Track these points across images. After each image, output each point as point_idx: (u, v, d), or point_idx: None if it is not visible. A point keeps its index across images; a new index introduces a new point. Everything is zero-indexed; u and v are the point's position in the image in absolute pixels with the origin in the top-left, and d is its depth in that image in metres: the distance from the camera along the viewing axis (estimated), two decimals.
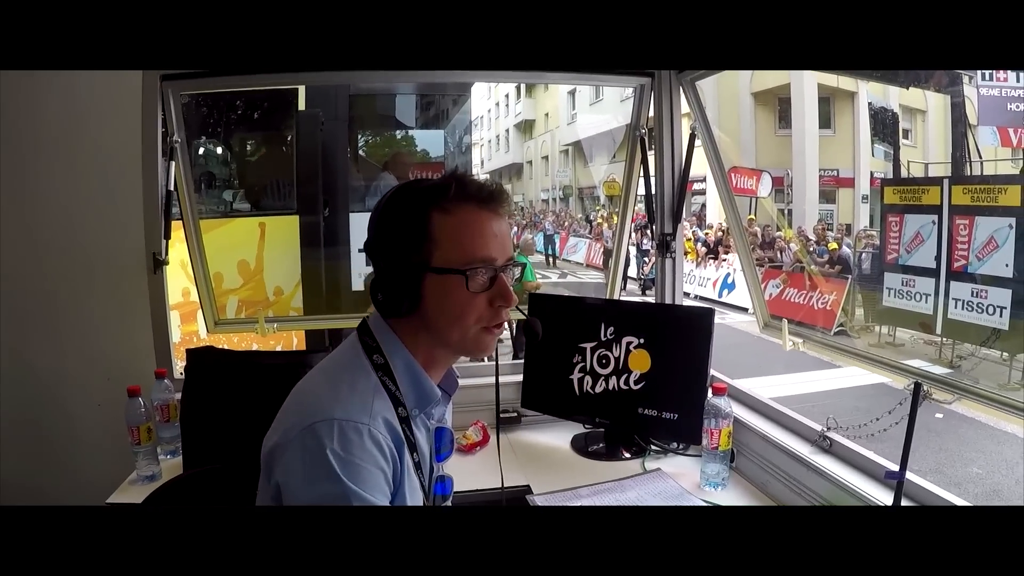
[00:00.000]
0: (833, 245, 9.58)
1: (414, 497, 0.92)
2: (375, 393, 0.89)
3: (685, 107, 2.12)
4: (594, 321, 1.89)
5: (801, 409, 1.78)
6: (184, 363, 1.77)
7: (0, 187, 1.93)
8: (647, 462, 1.80)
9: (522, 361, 2.04)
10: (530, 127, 28.24)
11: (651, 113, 2.14)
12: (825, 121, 14.77)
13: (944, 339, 5.33)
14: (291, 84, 3.74)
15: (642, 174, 2.15)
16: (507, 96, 29.15)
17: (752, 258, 2.41)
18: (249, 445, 0.92)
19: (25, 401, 2.03)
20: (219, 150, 4.45)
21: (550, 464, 1.82)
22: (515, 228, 16.26)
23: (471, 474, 1.62)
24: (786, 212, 14.27)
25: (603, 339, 1.88)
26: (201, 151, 4.32)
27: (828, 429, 1.56)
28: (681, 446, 1.84)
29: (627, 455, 1.84)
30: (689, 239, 12.08)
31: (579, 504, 1.57)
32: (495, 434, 1.87)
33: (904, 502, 1.28)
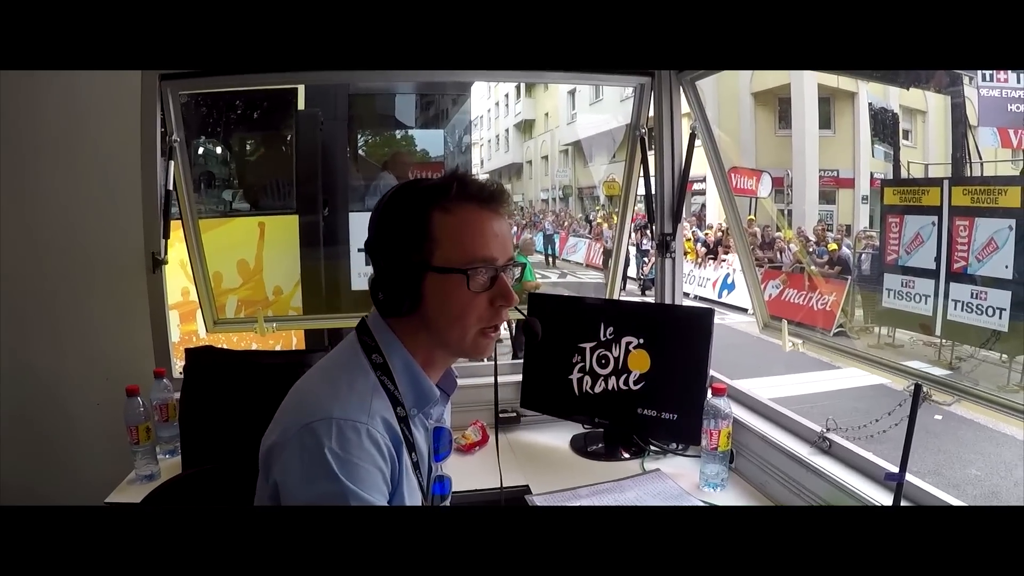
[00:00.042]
0: (833, 246, 9.58)
1: (413, 497, 0.92)
2: (374, 392, 0.89)
3: (685, 107, 2.12)
4: (594, 321, 1.89)
5: (800, 410, 1.78)
6: (183, 363, 1.77)
7: (0, 187, 1.93)
8: (646, 462, 1.80)
9: (521, 361, 2.04)
10: (530, 127, 28.23)
11: (651, 113, 2.14)
12: (825, 121, 14.77)
13: (943, 340, 5.32)
14: (290, 83, 3.73)
15: (642, 174, 2.15)
16: (507, 96, 29.14)
17: (752, 258, 2.41)
18: (248, 445, 0.92)
19: (24, 400, 2.03)
20: (218, 150, 4.44)
21: (549, 464, 1.81)
22: (515, 228, 16.26)
23: (470, 474, 1.62)
24: (786, 212, 14.28)
25: (603, 339, 1.88)
26: (201, 151, 4.32)
27: (827, 430, 1.56)
28: (680, 447, 1.84)
29: (626, 455, 1.84)
30: (689, 239, 12.08)
31: (578, 504, 1.57)
32: (494, 434, 1.87)
33: (903, 504, 1.27)
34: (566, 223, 19.61)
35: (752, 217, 11.58)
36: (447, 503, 1.06)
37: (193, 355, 1.76)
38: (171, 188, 1.93)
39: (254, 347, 3.09)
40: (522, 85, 24.85)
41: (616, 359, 1.86)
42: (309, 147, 4.11)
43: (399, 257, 0.91)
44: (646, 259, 11.26)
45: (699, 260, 12.24)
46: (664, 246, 2.15)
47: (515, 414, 2.05)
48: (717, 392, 1.65)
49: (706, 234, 13.21)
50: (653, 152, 2.16)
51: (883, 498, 1.32)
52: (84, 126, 1.95)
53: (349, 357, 0.94)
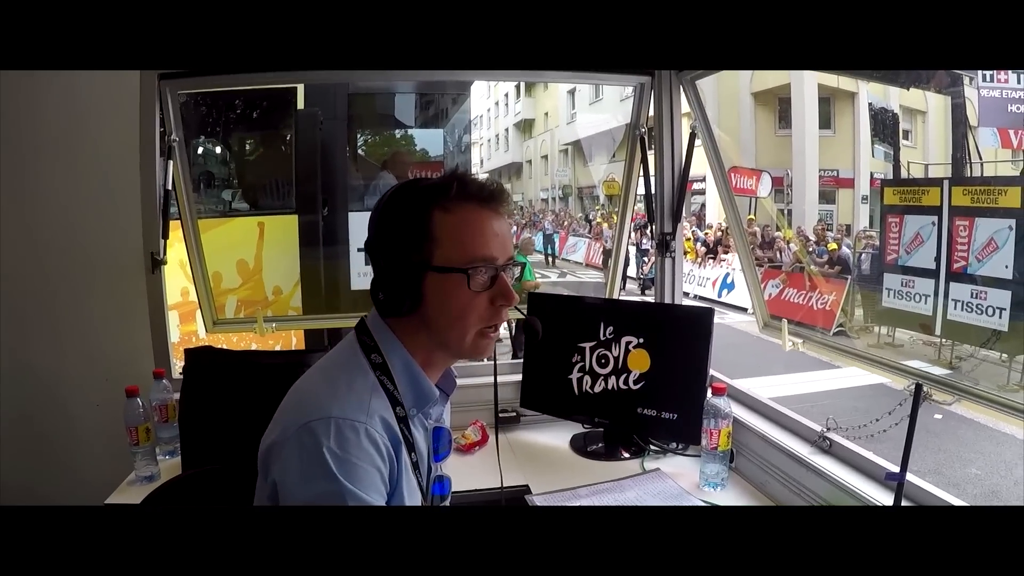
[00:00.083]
0: (833, 245, 9.58)
1: (412, 497, 0.92)
2: (373, 392, 0.89)
3: (685, 106, 2.12)
4: (593, 321, 1.89)
5: (800, 409, 1.78)
6: (183, 363, 1.77)
7: (0, 187, 1.93)
8: (646, 462, 1.80)
9: (521, 361, 2.04)
10: (529, 126, 28.22)
11: (651, 112, 2.14)
12: (825, 121, 14.76)
13: (943, 340, 5.32)
14: (289, 83, 3.73)
15: (642, 173, 2.15)
16: (506, 95, 29.12)
17: (752, 258, 2.41)
18: (248, 445, 0.92)
19: (24, 401, 2.03)
20: (218, 149, 4.44)
21: (549, 464, 1.81)
22: (514, 227, 16.25)
23: (470, 474, 1.62)
24: (786, 212, 14.28)
25: (602, 339, 1.88)
26: (200, 150, 4.31)
27: (828, 429, 1.56)
28: (680, 446, 1.84)
29: (626, 455, 1.84)
30: (688, 239, 12.09)
31: (578, 504, 1.56)
32: (494, 434, 1.87)
33: (904, 503, 1.27)
34: (566, 223, 19.61)
35: (752, 217, 11.59)
36: (447, 503, 1.06)
37: (192, 355, 1.76)
38: (170, 188, 1.93)
39: (254, 347, 3.09)
40: (522, 84, 24.84)
41: (616, 359, 1.86)
42: (308, 147, 4.11)
43: (399, 257, 0.91)
44: (646, 258, 11.26)
45: (699, 259, 12.25)
46: (664, 245, 2.15)
47: (515, 414, 2.05)
48: (717, 392, 1.64)
49: (706, 234, 13.21)
50: (653, 152, 2.16)
51: (883, 498, 1.32)
52: (84, 126, 1.95)
53: (348, 357, 0.94)
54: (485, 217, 0.92)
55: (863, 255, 8.73)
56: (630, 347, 1.84)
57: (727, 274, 11.19)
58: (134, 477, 1.69)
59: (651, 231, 2.19)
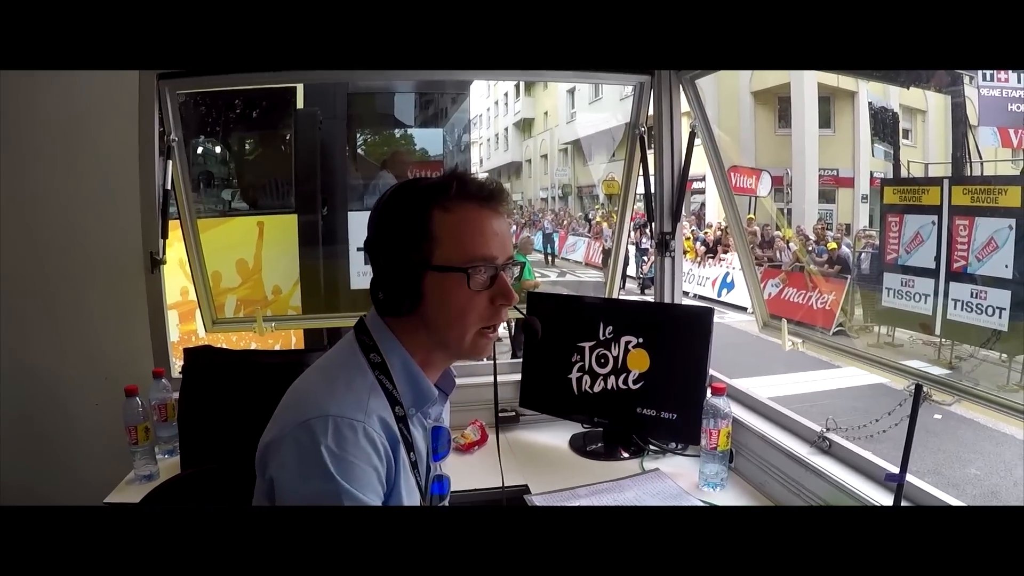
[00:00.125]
0: (832, 245, 9.58)
1: (411, 497, 0.92)
2: (371, 391, 0.89)
3: (685, 106, 2.11)
4: (593, 320, 1.89)
5: (800, 409, 1.78)
6: (182, 362, 1.77)
7: (0, 187, 1.93)
8: (645, 462, 1.80)
9: (520, 360, 2.04)
10: (529, 126, 28.20)
11: (651, 111, 2.14)
12: (825, 120, 14.75)
13: (943, 340, 5.32)
14: (289, 82, 3.72)
15: (641, 173, 2.15)
16: (506, 95, 29.10)
17: (751, 257, 2.41)
18: (247, 445, 0.92)
19: (24, 400, 2.03)
20: (217, 149, 4.44)
21: (548, 464, 1.81)
22: (514, 227, 16.23)
23: (469, 474, 1.62)
24: (785, 211, 14.27)
25: (602, 338, 1.88)
26: (200, 150, 4.31)
27: (827, 430, 1.56)
28: (680, 446, 1.84)
29: (625, 455, 1.84)
30: (688, 238, 12.08)
31: (577, 504, 1.56)
32: (493, 433, 1.87)
33: (904, 504, 1.27)
34: (565, 222, 19.60)
35: (752, 216, 11.58)
36: (446, 503, 1.06)
37: (192, 355, 1.76)
38: (169, 188, 1.92)
39: (253, 347, 3.08)
40: (521, 84, 24.82)
41: (615, 358, 1.86)
42: (308, 146, 4.10)
43: (399, 256, 0.91)
44: (645, 258, 11.27)
45: (698, 259, 12.25)
46: (663, 245, 2.15)
47: (514, 413, 2.05)
48: (716, 391, 1.64)
49: (705, 233, 13.21)
50: (652, 151, 2.16)
51: (883, 498, 1.32)
52: (83, 126, 1.95)
53: (347, 356, 0.94)
54: (485, 216, 0.92)
55: (863, 254, 8.72)
56: (629, 347, 1.84)
57: (727, 273, 11.19)
58: (133, 476, 1.69)
59: (650, 230, 2.18)
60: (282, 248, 3.65)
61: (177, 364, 2.00)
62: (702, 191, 15.80)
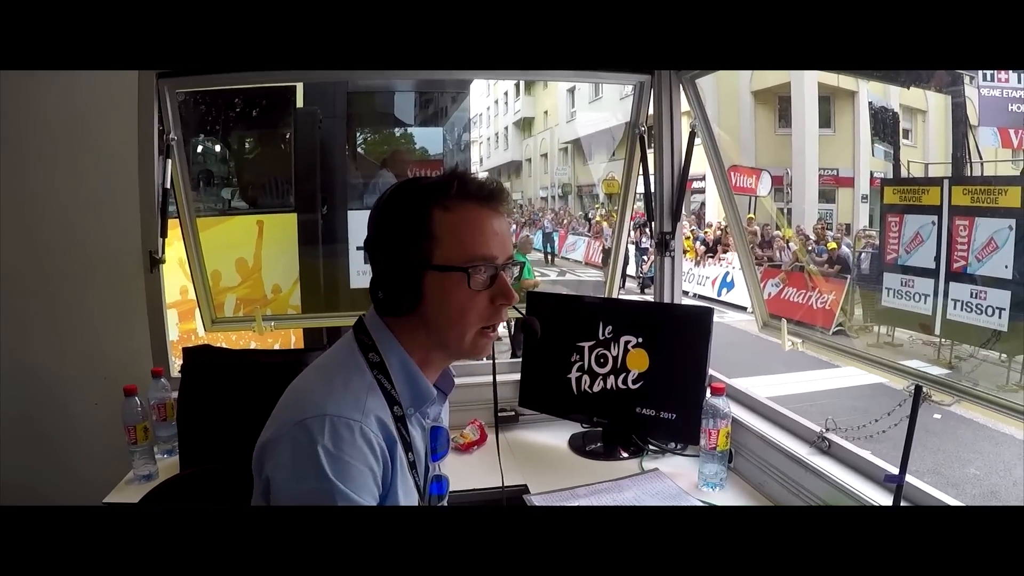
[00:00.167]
0: (832, 244, 9.58)
1: (408, 497, 0.92)
2: (369, 391, 0.89)
3: (685, 105, 2.11)
4: (592, 320, 1.89)
5: (800, 408, 1.77)
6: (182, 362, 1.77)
7: (0, 187, 1.92)
8: (645, 462, 1.79)
9: (520, 360, 2.04)
10: (529, 125, 28.20)
11: (650, 111, 2.14)
12: (825, 120, 14.75)
13: (943, 340, 5.33)
14: (288, 81, 3.73)
15: (641, 172, 2.15)
16: (506, 94, 29.10)
17: (751, 257, 2.41)
18: (246, 444, 0.91)
19: (24, 400, 2.03)
20: (217, 148, 4.44)
21: (547, 463, 1.81)
22: (514, 226, 16.24)
23: (468, 473, 1.62)
24: (785, 211, 14.27)
25: (601, 338, 1.87)
26: (200, 149, 4.31)
27: (827, 430, 1.55)
28: (679, 446, 1.84)
29: (625, 455, 1.84)
30: (688, 237, 12.09)
31: (576, 504, 1.56)
32: (493, 433, 1.87)
33: (903, 505, 1.27)
34: (565, 221, 19.60)
35: (752, 215, 11.58)
36: (444, 503, 1.05)
37: (191, 354, 1.76)
38: (168, 187, 1.92)
39: (253, 346, 3.08)
40: (521, 83, 24.81)
41: (615, 358, 1.86)
42: (308, 145, 4.11)
43: (399, 255, 0.91)
44: (645, 257, 11.27)
45: (698, 258, 12.25)
46: (663, 245, 2.15)
47: (513, 413, 2.05)
48: (716, 391, 1.64)
49: (705, 232, 13.21)
50: (652, 150, 2.15)
51: (882, 499, 1.32)
52: (83, 125, 1.95)
53: (345, 356, 0.94)
54: (485, 216, 0.92)
55: (863, 254, 8.73)
56: (629, 346, 1.84)
57: (727, 273, 11.19)
58: (132, 476, 1.69)
59: (650, 230, 2.18)
60: (282, 247, 3.65)
61: (177, 363, 2.00)
62: (702, 190, 15.80)
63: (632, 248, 11.97)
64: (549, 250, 17.57)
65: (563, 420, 2.00)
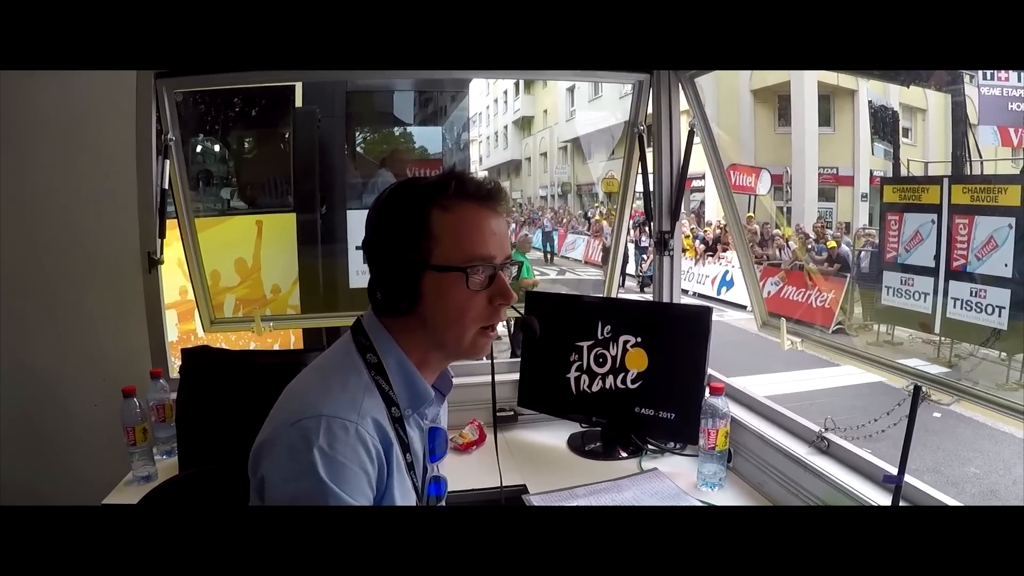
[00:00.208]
0: (832, 243, 9.58)
1: (406, 498, 0.92)
2: (366, 392, 0.89)
3: (684, 104, 2.11)
4: (591, 319, 1.89)
5: (800, 407, 1.77)
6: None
7: (0, 187, 1.92)
8: (644, 462, 1.79)
9: (519, 359, 2.04)
10: (529, 124, 28.22)
11: (650, 110, 2.13)
12: (825, 119, 14.76)
13: (942, 338, 5.33)
14: (287, 81, 3.72)
15: (640, 171, 2.15)
16: (506, 93, 29.13)
17: (751, 256, 2.41)
18: (245, 445, 0.91)
19: (24, 401, 2.03)
20: (216, 147, 4.43)
21: (546, 463, 1.81)
22: (513, 225, 16.29)
23: (467, 473, 1.62)
24: (785, 210, 14.27)
25: (600, 338, 1.87)
26: (199, 149, 4.31)
27: (826, 430, 1.55)
28: (678, 446, 1.84)
29: (624, 455, 1.84)
30: (688, 236, 12.09)
31: (575, 504, 1.56)
32: (491, 433, 1.87)
33: (902, 505, 1.27)
34: (565, 220, 19.61)
35: (751, 214, 11.59)
36: (443, 504, 1.05)
37: (189, 355, 1.76)
38: (167, 187, 1.92)
39: (252, 346, 3.08)
40: (521, 82, 24.83)
41: (614, 358, 1.86)
42: (306, 144, 4.11)
43: (397, 255, 0.91)
44: (645, 256, 11.27)
45: (698, 257, 12.26)
46: (662, 244, 2.15)
47: (512, 413, 2.05)
48: (715, 391, 1.64)
49: (705, 231, 13.21)
50: (651, 149, 2.15)
51: (881, 499, 1.32)
52: (83, 126, 1.95)
53: (343, 357, 0.94)
54: (483, 216, 0.92)
55: (862, 253, 8.73)
56: (628, 346, 1.84)
57: (726, 271, 11.19)
58: (131, 477, 1.69)
59: (649, 229, 2.18)
60: (281, 247, 3.65)
61: (176, 364, 2.00)
62: (702, 189, 15.81)
63: (632, 247, 11.99)
64: (549, 249, 17.59)
65: (562, 420, 2.00)
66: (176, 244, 2.10)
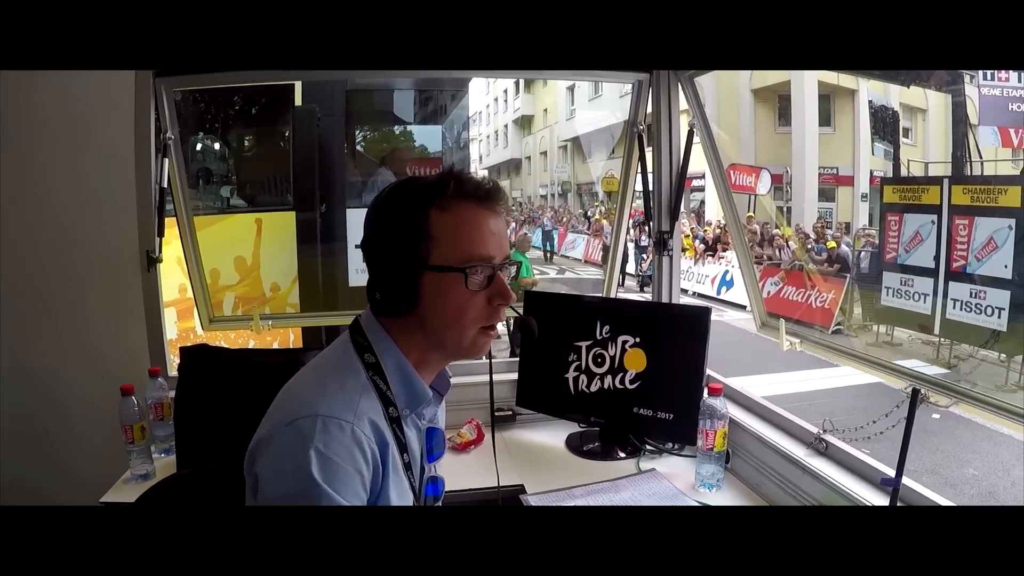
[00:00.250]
0: (832, 243, 9.58)
1: (403, 499, 0.91)
2: (363, 392, 0.89)
3: (683, 103, 2.11)
4: (590, 319, 1.89)
5: (799, 408, 1.77)
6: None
7: (0, 187, 1.92)
8: (642, 462, 1.79)
9: (517, 359, 2.04)
10: (529, 123, 28.22)
11: (649, 109, 2.13)
12: (825, 119, 14.76)
13: (942, 339, 5.33)
14: (286, 80, 3.72)
15: (639, 171, 2.15)
16: (506, 92, 29.12)
17: (750, 256, 2.40)
18: (243, 444, 0.91)
19: (24, 399, 2.03)
20: (216, 146, 4.43)
21: (544, 463, 1.81)
22: (513, 224, 16.31)
23: (465, 473, 1.61)
24: (785, 210, 14.27)
25: (599, 338, 1.87)
26: (199, 147, 4.31)
27: (824, 431, 1.55)
28: (676, 446, 1.84)
29: (622, 455, 1.84)
30: (687, 236, 12.09)
31: (573, 504, 1.56)
32: (489, 432, 1.87)
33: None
34: (565, 219, 19.61)
35: (751, 214, 11.59)
36: (439, 504, 1.05)
37: (188, 353, 1.75)
38: (165, 186, 1.92)
39: (252, 344, 3.08)
40: (521, 81, 24.82)
41: (612, 358, 1.85)
42: (306, 143, 4.11)
43: (396, 256, 0.90)
44: (644, 255, 11.27)
45: (698, 256, 12.26)
46: (661, 244, 2.14)
47: (511, 412, 2.05)
48: (713, 392, 1.64)
49: (705, 231, 13.21)
50: (651, 149, 2.15)
51: (879, 502, 1.32)
52: (83, 125, 1.96)
53: (341, 356, 0.94)
54: (482, 216, 0.92)
55: (862, 253, 8.73)
56: (626, 346, 1.84)
57: (726, 271, 11.20)
58: (129, 476, 1.69)
59: (648, 229, 2.18)
60: (280, 245, 3.65)
61: (174, 362, 2.00)
62: (702, 188, 15.81)
63: (631, 246, 11.99)
64: (549, 248, 17.58)
65: (560, 420, 2.00)
66: (176, 242, 2.10)
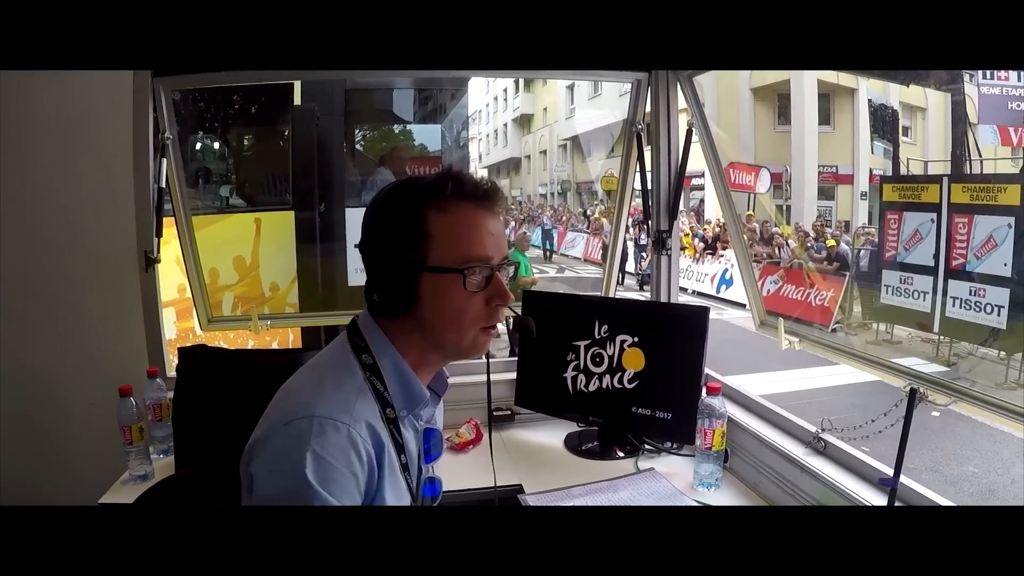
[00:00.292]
0: (831, 242, 9.58)
1: (399, 500, 0.91)
2: (360, 394, 0.89)
3: (683, 102, 2.10)
4: (588, 319, 1.89)
5: (798, 406, 1.77)
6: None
7: (0, 187, 1.92)
8: (640, 461, 1.79)
9: (515, 358, 2.04)
10: (528, 122, 28.21)
11: (648, 108, 2.13)
12: (825, 117, 14.75)
13: (941, 337, 5.33)
14: (285, 80, 3.72)
15: (638, 170, 2.14)
16: (505, 91, 29.11)
17: (748, 255, 2.40)
18: (242, 445, 0.91)
19: (23, 400, 2.03)
20: (216, 145, 4.43)
21: (543, 463, 1.81)
22: (512, 223, 16.32)
23: (463, 473, 1.61)
24: (784, 208, 14.27)
25: (597, 337, 1.87)
26: (198, 146, 4.30)
27: (822, 430, 1.55)
28: (674, 446, 1.84)
29: (620, 454, 1.84)
30: (687, 234, 12.09)
31: (571, 504, 1.56)
32: (488, 432, 1.87)
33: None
34: (564, 218, 19.61)
35: (751, 213, 11.59)
36: (437, 505, 1.05)
37: (186, 354, 1.75)
38: (164, 185, 1.92)
39: (251, 344, 3.08)
40: (520, 80, 24.79)
41: (611, 357, 1.85)
42: (305, 142, 4.10)
43: (394, 256, 0.90)
44: (644, 254, 11.28)
45: (697, 255, 12.26)
46: (660, 243, 2.14)
47: (509, 412, 2.05)
48: (712, 391, 1.64)
49: (704, 229, 13.21)
50: (650, 148, 2.15)
51: (877, 501, 1.32)
52: (82, 125, 1.96)
53: (338, 357, 0.94)
54: (480, 216, 0.91)
55: (862, 252, 8.73)
56: (625, 346, 1.84)
57: (726, 270, 11.20)
58: (128, 476, 1.69)
59: (647, 228, 2.18)
60: (279, 245, 3.65)
61: (173, 363, 2.00)
62: (702, 187, 15.80)
63: (631, 245, 11.99)
64: (548, 247, 17.58)
65: (559, 419, 1.99)
66: (175, 242, 2.10)
